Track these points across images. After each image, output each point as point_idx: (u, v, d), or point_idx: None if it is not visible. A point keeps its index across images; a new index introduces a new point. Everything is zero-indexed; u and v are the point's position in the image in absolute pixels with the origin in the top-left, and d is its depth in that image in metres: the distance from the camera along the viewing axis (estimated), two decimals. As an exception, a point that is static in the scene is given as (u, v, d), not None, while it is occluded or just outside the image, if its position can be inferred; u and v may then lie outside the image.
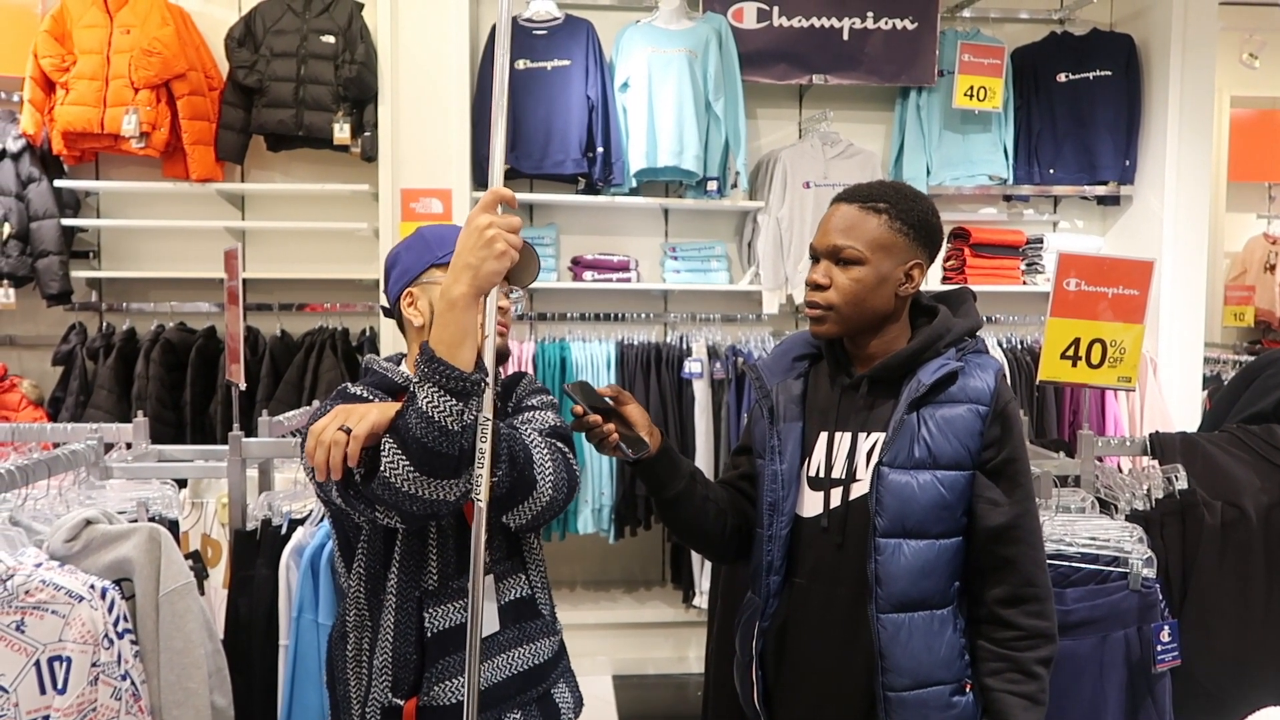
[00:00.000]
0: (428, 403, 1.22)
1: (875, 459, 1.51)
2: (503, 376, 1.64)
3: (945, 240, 4.43)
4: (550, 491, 1.42)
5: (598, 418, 1.48)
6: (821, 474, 1.57)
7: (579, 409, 1.49)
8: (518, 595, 1.55)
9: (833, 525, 1.54)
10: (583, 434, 1.51)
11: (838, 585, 1.54)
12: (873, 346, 1.58)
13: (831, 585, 1.54)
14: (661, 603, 4.28)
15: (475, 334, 1.27)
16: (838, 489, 1.55)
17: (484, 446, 1.27)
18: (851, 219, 1.53)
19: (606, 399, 1.52)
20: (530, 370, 3.93)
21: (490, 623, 1.49)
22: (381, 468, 1.24)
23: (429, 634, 1.44)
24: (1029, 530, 1.51)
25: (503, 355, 1.51)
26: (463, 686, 1.42)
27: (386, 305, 1.59)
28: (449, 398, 1.23)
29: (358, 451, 1.25)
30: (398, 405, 1.28)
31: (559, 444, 1.48)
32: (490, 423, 1.27)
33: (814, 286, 1.55)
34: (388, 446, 1.24)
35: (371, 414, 1.28)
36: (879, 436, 1.52)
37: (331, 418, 1.28)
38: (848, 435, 1.56)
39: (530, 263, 1.39)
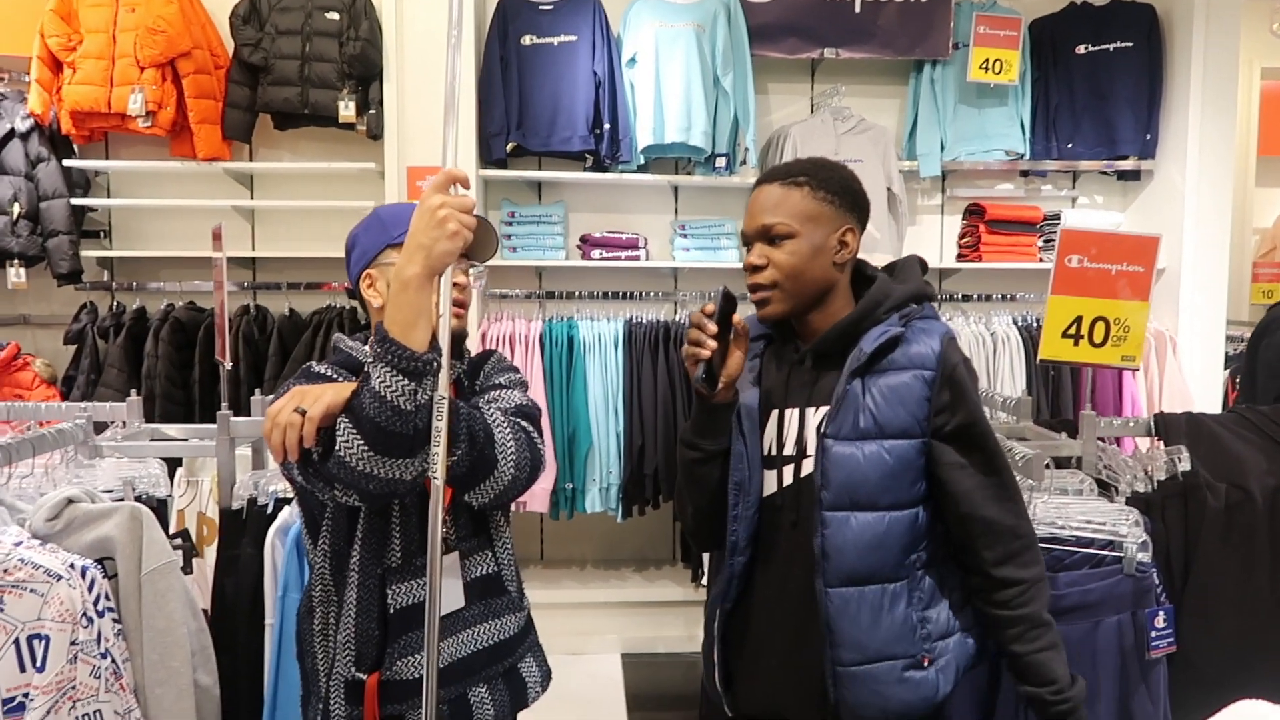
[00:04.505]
0: (381, 383, 1.23)
1: (819, 432, 1.49)
2: (470, 355, 1.63)
3: (961, 217, 4.42)
4: (512, 470, 1.41)
5: (714, 328, 1.43)
6: (774, 452, 1.54)
7: (710, 308, 1.44)
8: (483, 572, 1.56)
9: (786, 503, 1.53)
10: (690, 326, 1.46)
11: (792, 564, 1.52)
12: (817, 320, 1.56)
13: (787, 565, 1.53)
14: (670, 582, 4.27)
15: (429, 314, 1.26)
16: (789, 466, 1.52)
17: (439, 425, 1.26)
18: (776, 197, 1.53)
19: (734, 326, 1.47)
20: (538, 349, 3.92)
21: (455, 599, 1.50)
22: (337, 447, 1.25)
23: (391, 610, 1.45)
24: (1004, 485, 1.50)
25: (459, 336, 1.50)
26: (424, 661, 1.43)
27: (349, 287, 1.58)
28: (402, 378, 1.23)
29: (313, 433, 1.26)
30: (354, 386, 1.28)
31: (523, 423, 1.47)
32: (445, 401, 1.27)
33: (752, 269, 1.54)
34: (343, 426, 1.25)
35: (326, 395, 1.28)
36: (827, 409, 1.50)
37: (287, 399, 1.29)
38: (796, 411, 1.54)
39: (489, 238, 1.38)
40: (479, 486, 1.40)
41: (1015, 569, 1.48)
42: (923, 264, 1.65)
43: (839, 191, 1.53)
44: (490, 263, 1.55)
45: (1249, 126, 5.30)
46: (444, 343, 1.29)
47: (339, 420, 1.26)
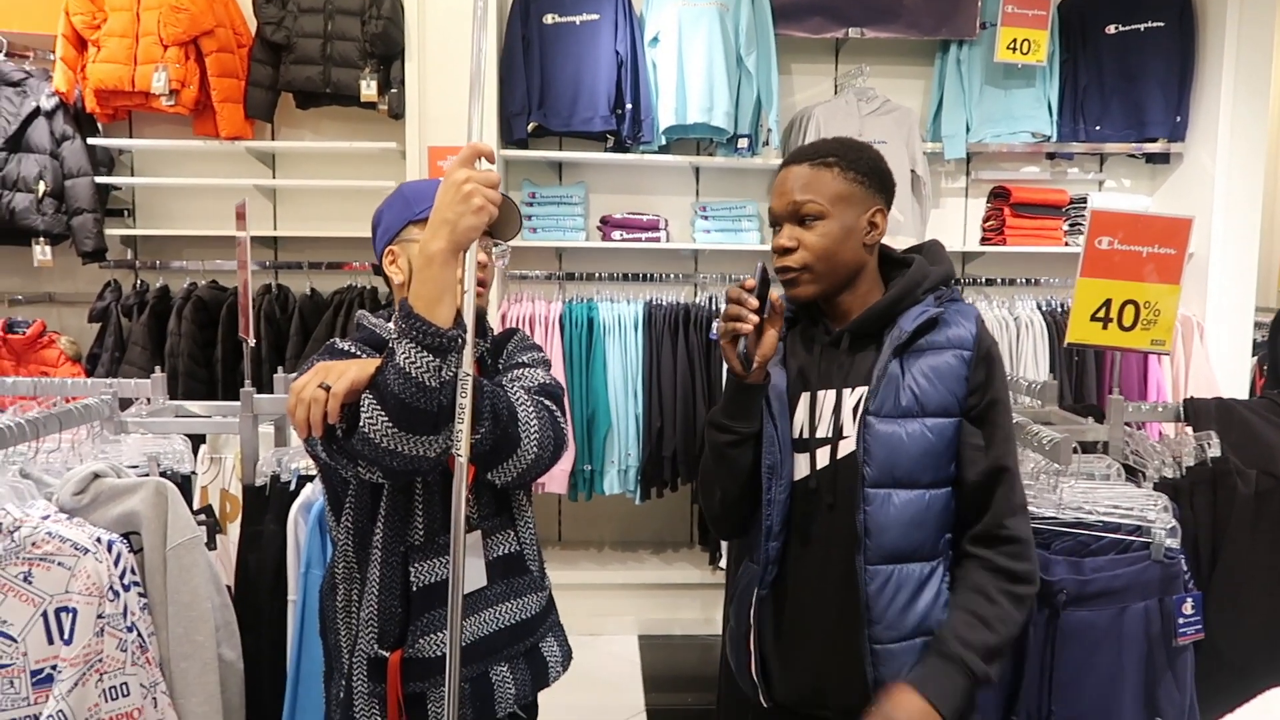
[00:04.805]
0: (405, 359, 1.22)
1: (861, 410, 1.48)
2: (493, 333, 1.62)
3: (985, 199, 4.37)
4: (535, 449, 1.40)
5: (755, 302, 1.41)
6: (805, 435, 1.53)
7: (750, 283, 1.41)
8: (506, 551, 1.55)
9: (822, 485, 1.51)
10: (729, 301, 1.42)
11: (831, 546, 1.50)
12: (847, 302, 1.55)
13: (825, 547, 1.51)
14: (688, 564, 4.28)
15: (454, 290, 1.26)
16: (824, 449, 1.51)
17: (464, 402, 1.26)
18: (805, 177, 1.51)
19: (772, 304, 1.44)
20: (558, 331, 3.92)
21: (478, 578, 1.49)
22: (361, 424, 1.24)
23: (414, 588, 1.45)
24: (1010, 472, 1.49)
25: (479, 314, 1.49)
26: (447, 640, 1.43)
27: (375, 264, 1.58)
28: (426, 354, 1.22)
29: (337, 408, 1.25)
30: (378, 362, 1.28)
31: (547, 402, 1.46)
32: (470, 378, 1.26)
33: (782, 251, 1.52)
34: (367, 402, 1.24)
35: (351, 371, 1.27)
36: (864, 390, 1.49)
37: (312, 375, 1.28)
38: (831, 392, 1.52)
39: (512, 216, 1.37)
40: (502, 465, 1.40)
41: (993, 554, 1.46)
42: (942, 247, 1.64)
43: (868, 172, 1.52)
44: (510, 243, 1.53)
45: (1280, 109, 5.20)
46: (468, 319, 1.28)
47: (363, 396, 1.25)
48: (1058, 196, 4.26)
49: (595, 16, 3.91)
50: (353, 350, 1.44)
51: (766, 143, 4.07)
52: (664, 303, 4.01)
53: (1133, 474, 2.10)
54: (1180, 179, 4.34)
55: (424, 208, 1.48)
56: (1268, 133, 4.15)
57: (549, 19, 3.92)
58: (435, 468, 1.34)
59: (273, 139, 4.17)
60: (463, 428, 1.26)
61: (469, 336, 1.28)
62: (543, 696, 1.69)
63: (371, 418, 1.23)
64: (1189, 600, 1.78)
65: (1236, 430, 2.13)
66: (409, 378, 1.21)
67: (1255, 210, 4.10)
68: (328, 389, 1.25)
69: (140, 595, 1.70)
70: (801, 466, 1.53)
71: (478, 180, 1.24)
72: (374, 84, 3.78)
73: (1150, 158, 4.42)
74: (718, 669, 3.01)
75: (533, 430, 1.40)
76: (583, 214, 4.13)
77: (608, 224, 4.16)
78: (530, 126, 3.95)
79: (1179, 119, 4.20)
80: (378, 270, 1.58)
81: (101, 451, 1.98)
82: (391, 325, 1.53)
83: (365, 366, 1.28)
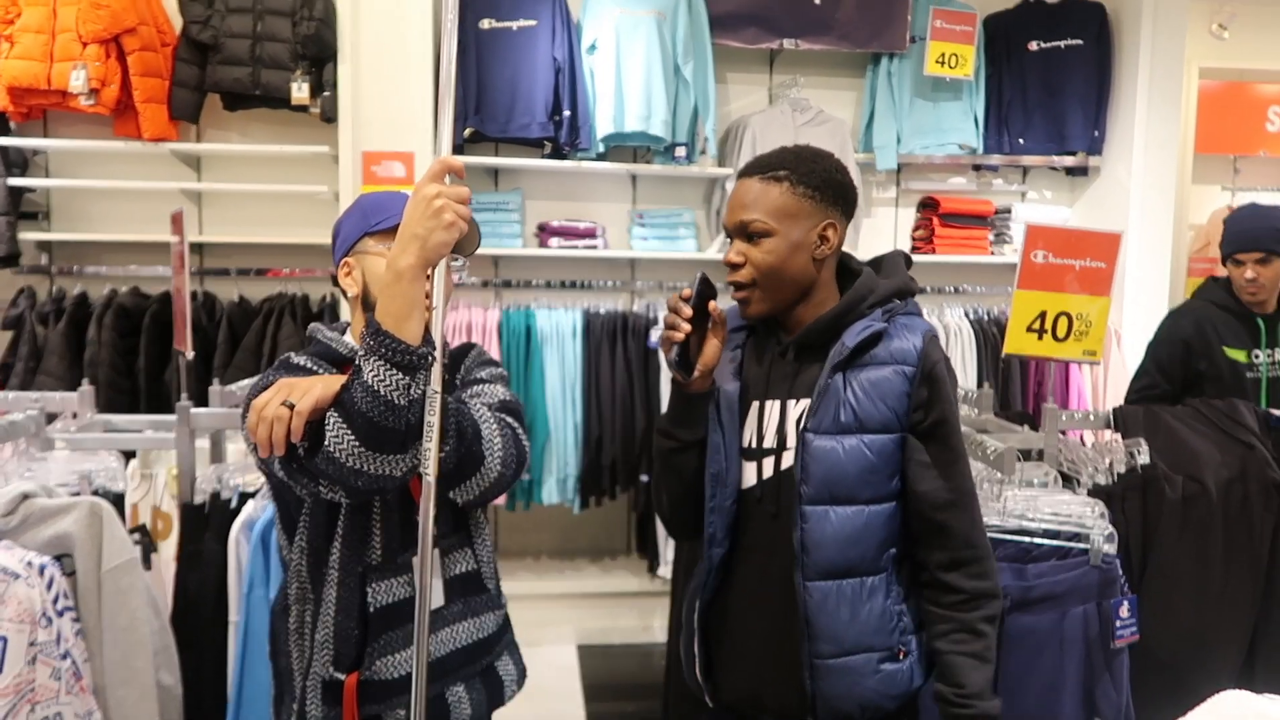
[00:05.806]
0: (374, 376, 1.19)
1: (801, 426, 1.49)
2: (450, 347, 1.60)
3: (915, 210, 4.47)
4: (499, 467, 1.39)
5: (689, 311, 1.43)
6: (754, 444, 1.54)
7: (687, 293, 1.44)
8: (463, 570, 1.54)
9: (766, 496, 1.52)
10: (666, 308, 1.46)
11: (774, 556, 1.51)
12: (801, 313, 1.55)
13: (768, 557, 1.52)
14: (627, 573, 4.27)
15: (422, 306, 1.23)
16: (770, 459, 1.52)
17: (433, 420, 1.23)
18: (755, 192, 1.51)
19: (710, 314, 1.46)
20: (495, 339, 3.88)
21: (436, 597, 1.47)
22: (326, 443, 1.21)
23: (372, 609, 1.42)
24: (962, 492, 1.50)
25: None
26: (405, 661, 1.42)
27: (334, 273, 1.55)
28: (395, 371, 1.20)
29: (301, 427, 1.22)
30: (342, 378, 1.25)
31: (508, 419, 1.45)
32: (439, 396, 1.24)
33: (731, 267, 1.53)
34: (332, 421, 1.21)
35: (315, 388, 1.24)
36: (807, 403, 1.50)
37: (274, 392, 1.24)
38: (777, 404, 1.53)
39: (473, 231, 1.36)
40: (465, 483, 1.38)
41: (961, 577, 1.49)
42: (907, 259, 1.64)
43: (820, 186, 1.50)
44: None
45: (1187, 124, 5.44)
46: (437, 336, 1.26)
47: (328, 415, 1.22)
48: (984, 207, 4.39)
49: (533, 22, 3.89)
50: (309, 365, 1.41)
51: (703, 151, 4.10)
52: (602, 311, 4.00)
53: (1067, 481, 2.16)
54: (1098, 191, 4.50)
55: (380, 219, 1.46)
56: (1178, 148, 4.34)
57: (485, 24, 3.88)
58: (399, 487, 1.32)
59: (198, 141, 4.04)
60: (430, 446, 1.24)
61: (438, 354, 1.26)
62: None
63: (338, 436, 1.20)
64: (1125, 603, 1.85)
65: (1162, 437, 2.21)
66: (377, 396, 1.19)
67: (1167, 221, 4.28)
68: (291, 407, 1.22)
69: (74, 620, 1.64)
70: (749, 476, 1.54)
71: (448, 195, 1.22)
72: (305, 86, 3.68)
73: (1070, 170, 4.58)
74: (661, 677, 3.02)
75: (496, 448, 1.38)
76: (519, 220, 4.10)
77: (545, 231, 4.14)
78: (467, 132, 3.90)
79: (1096, 133, 4.36)
80: (335, 281, 1.55)
81: (29, 470, 1.89)
82: (347, 338, 1.50)
83: (330, 384, 1.25)
